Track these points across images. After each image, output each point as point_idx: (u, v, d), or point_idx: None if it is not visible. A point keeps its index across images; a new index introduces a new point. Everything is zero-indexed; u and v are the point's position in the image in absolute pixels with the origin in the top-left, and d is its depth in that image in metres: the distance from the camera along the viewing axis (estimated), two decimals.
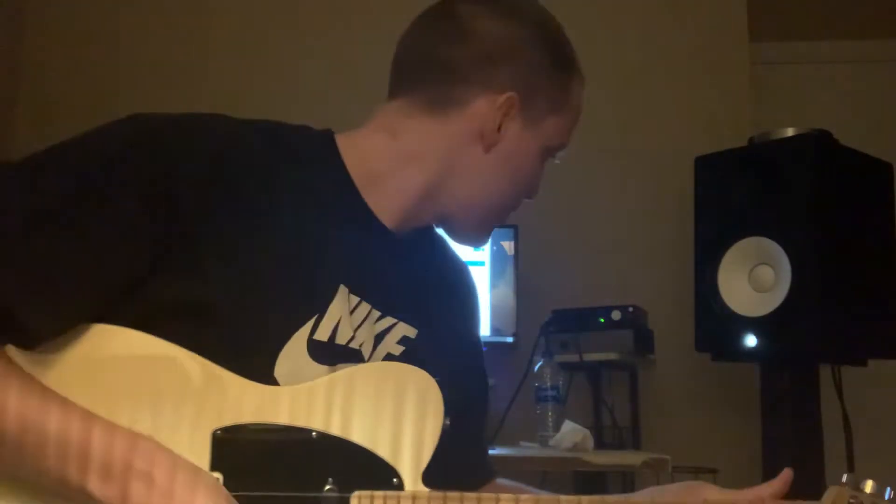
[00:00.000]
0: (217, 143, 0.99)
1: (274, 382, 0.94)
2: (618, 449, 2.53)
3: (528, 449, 2.35)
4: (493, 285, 2.64)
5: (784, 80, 3.28)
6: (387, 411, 0.93)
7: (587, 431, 2.25)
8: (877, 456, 2.68)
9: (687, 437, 2.67)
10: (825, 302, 2.22)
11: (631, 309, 2.56)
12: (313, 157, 1.08)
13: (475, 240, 1.19)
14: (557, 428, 2.31)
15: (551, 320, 2.59)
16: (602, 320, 2.56)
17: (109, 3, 3.06)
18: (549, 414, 2.37)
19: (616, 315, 2.55)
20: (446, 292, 1.21)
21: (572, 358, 2.52)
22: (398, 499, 0.89)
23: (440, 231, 1.22)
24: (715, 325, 2.40)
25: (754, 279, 2.34)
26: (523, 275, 2.67)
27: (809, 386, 2.34)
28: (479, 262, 2.62)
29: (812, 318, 2.21)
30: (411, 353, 1.07)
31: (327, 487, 0.90)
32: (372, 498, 0.90)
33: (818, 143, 2.33)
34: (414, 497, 0.89)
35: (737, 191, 2.39)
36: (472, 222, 1.16)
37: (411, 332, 1.09)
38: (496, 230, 2.64)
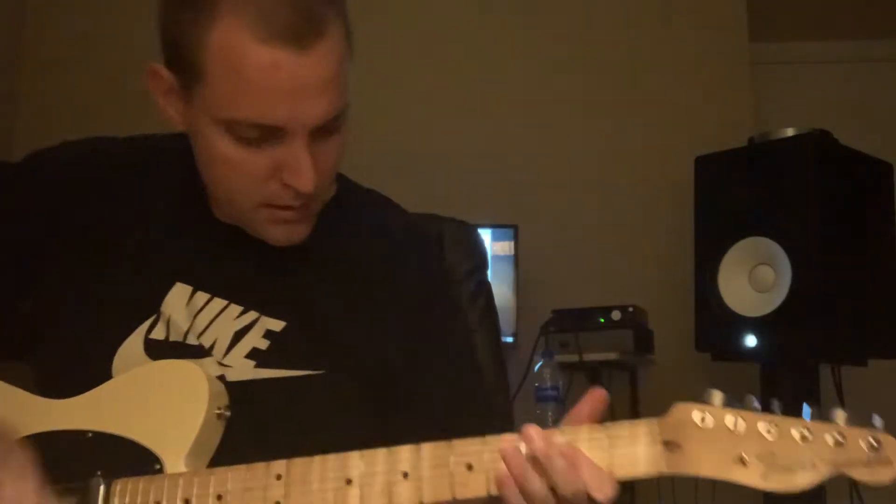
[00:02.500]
0: (67, 166, 1.09)
1: None
2: None
3: None
4: (493, 285, 2.63)
5: (784, 80, 3.28)
6: (151, 404, 0.97)
7: None
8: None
9: None
10: (825, 302, 2.22)
11: (631, 309, 2.56)
12: (170, 164, 1.09)
13: (270, 240, 1.02)
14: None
15: (551, 320, 2.58)
16: (602, 320, 2.56)
17: (111, 2, 3.06)
18: (549, 414, 2.37)
19: (616, 315, 2.55)
20: (342, 279, 1.07)
21: (572, 358, 2.52)
22: (151, 484, 0.92)
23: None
24: (715, 325, 2.40)
25: (754, 279, 2.34)
26: (523, 275, 2.67)
27: (809, 386, 2.34)
28: None
29: (812, 318, 2.21)
30: (279, 346, 1.02)
31: (93, 479, 0.94)
32: (128, 483, 0.93)
33: (818, 143, 2.33)
34: (165, 478, 0.93)
35: (737, 191, 2.39)
36: (234, 219, 1.04)
37: (277, 325, 1.03)
38: (497, 230, 2.67)
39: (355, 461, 0.85)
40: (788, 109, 3.16)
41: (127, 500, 0.92)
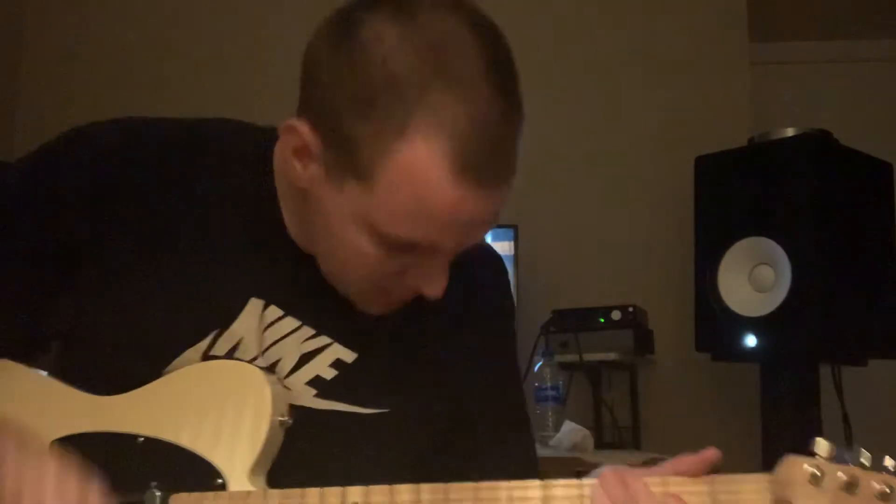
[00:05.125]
0: (115, 153, 0.97)
1: None
2: (618, 449, 2.52)
3: None
4: None
5: (784, 80, 3.28)
6: (206, 409, 0.91)
7: (587, 431, 2.25)
8: (877, 456, 2.67)
9: (687, 437, 2.66)
10: (825, 302, 2.22)
11: (631, 309, 2.56)
12: (241, 162, 1.00)
13: (364, 310, 0.95)
14: (557, 428, 2.31)
15: (551, 320, 2.58)
16: (602, 320, 2.56)
17: (111, 3, 3.06)
18: (549, 414, 2.37)
19: (616, 315, 2.55)
20: (418, 318, 1.00)
21: (572, 358, 2.52)
22: (216, 500, 0.87)
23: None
24: (715, 325, 2.40)
25: (754, 279, 2.34)
26: (523, 275, 2.67)
27: (809, 386, 2.34)
28: None
29: (812, 318, 2.21)
30: (346, 378, 0.97)
31: (148, 492, 0.88)
32: (189, 500, 0.88)
33: (818, 143, 2.33)
34: (230, 497, 0.87)
35: (737, 191, 2.39)
36: (331, 279, 0.95)
37: (349, 356, 0.98)
38: (497, 230, 2.67)
39: (438, 493, 0.83)
40: (788, 109, 3.16)
41: None
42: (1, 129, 2.92)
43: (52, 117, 2.86)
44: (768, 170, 2.33)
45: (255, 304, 0.96)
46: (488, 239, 2.93)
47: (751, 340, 2.29)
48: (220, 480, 0.89)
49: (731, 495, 0.76)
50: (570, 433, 2.23)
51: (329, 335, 0.97)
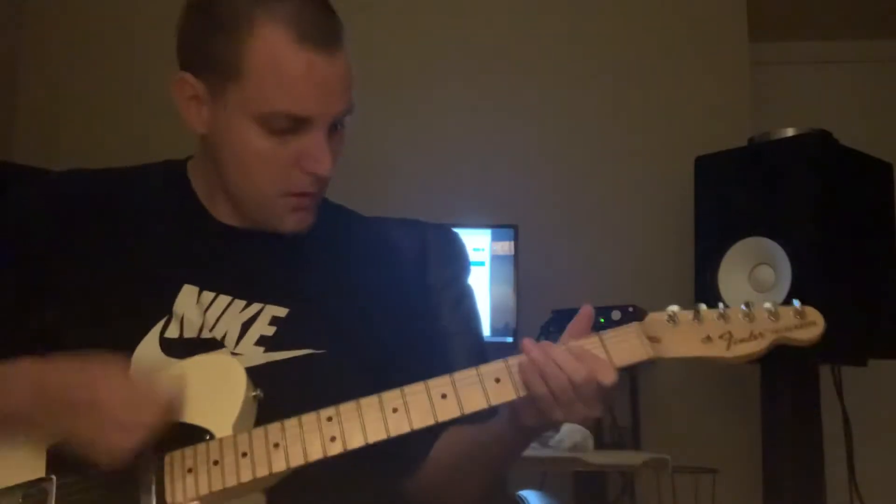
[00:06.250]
0: (61, 191, 1.18)
1: None
2: (618, 449, 2.52)
3: (529, 449, 2.34)
4: (493, 285, 2.64)
5: (784, 80, 3.28)
6: (192, 392, 1.02)
7: (587, 431, 2.25)
8: (877, 456, 2.68)
9: (687, 437, 2.67)
10: (825, 302, 2.21)
11: (631, 309, 2.55)
12: (156, 178, 1.22)
13: (284, 228, 1.15)
14: (557, 428, 2.31)
15: (551, 320, 2.58)
16: (602, 320, 2.56)
17: (110, 3, 3.06)
18: None
19: (616, 315, 2.55)
20: (337, 268, 1.21)
21: None
22: (207, 447, 0.99)
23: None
24: None
25: (754, 279, 2.34)
26: (523, 275, 2.67)
27: (809, 386, 2.34)
28: (479, 262, 2.62)
29: None
30: (286, 330, 1.12)
31: (141, 457, 0.98)
32: (182, 452, 0.98)
33: (818, 143, 2.33)
34: (221, 441, 0.99)
35: (737, 191, 2.39)
36: (255, 214, 1.15)
37: (281, 311, 1.14)
38: (497, 230, 2.67)
39: (395, 394, 1.00)
40: (788, 109, 3.16)
41: (183, 464, 0.97)
42: (1, 129, 2.92)
43: (52, 117, 2.86)
44: (768, 170, 2.33)
45: (189, 290, 1.12)
46: (488, 239, 2.93)
47: None
48: (208, 436, 0.99)
49: (617, 340, 1.01)
50: (571, 433, 2.23)
51: (259, 301, 1.14)
